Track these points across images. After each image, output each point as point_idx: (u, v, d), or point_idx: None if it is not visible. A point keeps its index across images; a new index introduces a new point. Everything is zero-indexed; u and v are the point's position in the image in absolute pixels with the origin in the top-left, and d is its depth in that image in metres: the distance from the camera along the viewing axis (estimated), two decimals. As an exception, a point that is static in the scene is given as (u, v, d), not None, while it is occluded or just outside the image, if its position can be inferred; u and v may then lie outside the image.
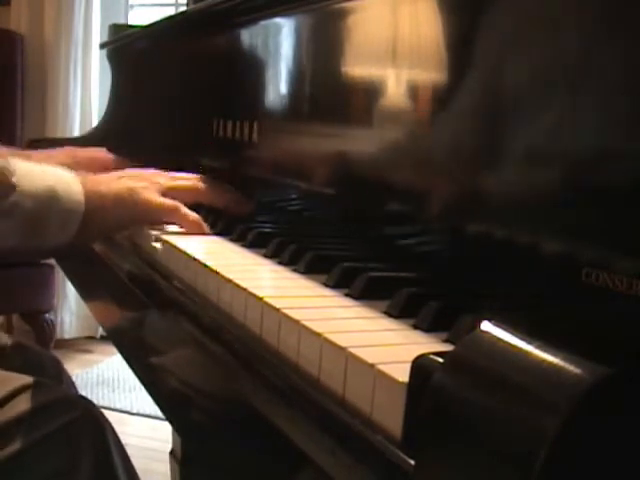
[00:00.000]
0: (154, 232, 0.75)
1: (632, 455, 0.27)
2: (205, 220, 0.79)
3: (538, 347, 0.29)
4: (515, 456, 0.27)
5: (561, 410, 0.26)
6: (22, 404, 0.75)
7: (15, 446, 0.72)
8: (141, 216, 0.78)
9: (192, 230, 0.76)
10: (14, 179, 0.68)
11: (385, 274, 0.53)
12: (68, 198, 0.72)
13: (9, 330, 2.62)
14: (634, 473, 0.27)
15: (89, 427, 0.79)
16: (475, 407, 0.29)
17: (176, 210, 0.76)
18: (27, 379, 0.79)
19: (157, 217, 0.78)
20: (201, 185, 0.82)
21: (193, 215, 0.77)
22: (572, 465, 0.26)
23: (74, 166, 0.83)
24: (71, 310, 2.75)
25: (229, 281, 0.54)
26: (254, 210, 0.83)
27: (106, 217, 0.75)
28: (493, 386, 0.29)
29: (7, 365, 0.88)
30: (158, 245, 0.71)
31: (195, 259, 0.61)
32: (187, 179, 0.83)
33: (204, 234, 0.76)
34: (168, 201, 0.77)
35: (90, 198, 0.73)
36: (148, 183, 0.77)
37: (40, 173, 0.72)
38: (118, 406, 2.17)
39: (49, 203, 0.71)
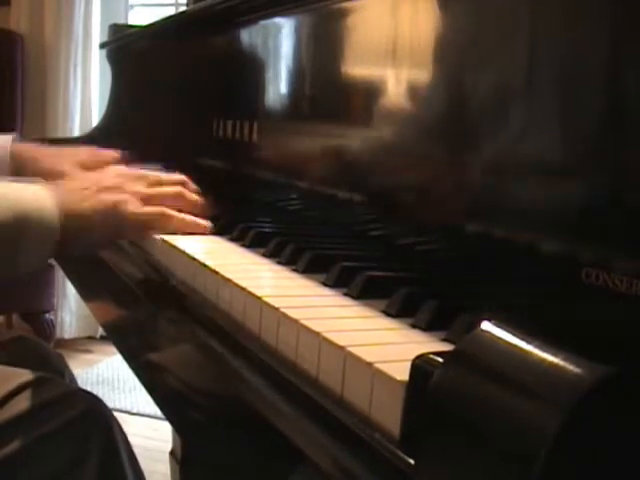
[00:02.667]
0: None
1: (632, 455, 0.27)
2: (204, 218, 0.79)
3: (538, 347, 0.29)
4: (515, 455, 0.27)
5: (561, 410, 0.26)
6: (26, 400, 0.75)
7: (20, 443, 0.72)
8: (130, 231, 0.75)
9: (191, 230, 0.73)
10: None
11: (383, 273, 0.53)
12: (40, 224, 0.67)
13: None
14: (634, 473, 0.27)
15: (95, 422, 0.78)
16: (475, 406, 0.29)
17: (168, 218, 0.73)
18: (30, 375, 0.78)
19: (147, 228, 0.74)
20: (183, 191, 0.77)
21: (185, 216, 0.74)
22: (572, 464, 0.26)
23: (93, 166, 0.82)
24: (71, 310, 2.75)
25: (228, 280, 0.54)
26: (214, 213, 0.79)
27: (91, 236, 0.72)
28: (493, 386, 0.29)
29: (10, 358, 0.88)
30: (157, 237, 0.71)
31: (195, 259, 0.61)
32: (169, 182, 0.78)
33: (203, 232, 0.74)
34: (155, 209, 0.73)
35: (70, 219, 0.69)
36: (129, 195, 0.73)
37: (7, 200, 0.67)
38: (118, 406, 2.17)
39: (19, 232, 0.66)
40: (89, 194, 0.72)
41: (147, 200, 0.73)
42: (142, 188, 0.75)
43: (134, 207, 0.72)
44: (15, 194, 0.68)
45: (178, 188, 0.77)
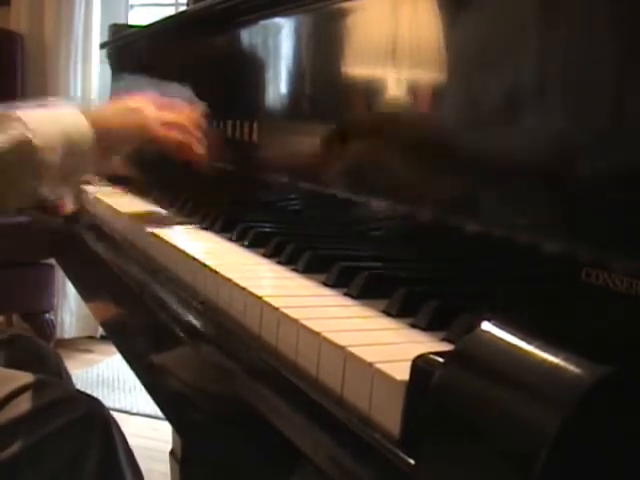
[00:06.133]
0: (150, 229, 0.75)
1: (632, 455, 0.27)
2: (204, 217, 0.79)
3: (538, 347, 0.29)
4: (515, 455, 0.26)
5: (561, 410, 0.26)
6: (26, 403, 0.75)
7: (20, 444, 0.72)
8: (145, 140, 0.82)
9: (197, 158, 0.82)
10: (35, 140, 0.71)
11: (383, 273, 0.53)
12: (80, 136, 0.76)
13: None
14: (634, 473, 0.27)
15: (94, 425, 0.79)
16: (476, 407, 0.29)
17: (182, 145, 0.82)
18: (30, 377, 0.78)
19: (160, 145, 0.83)
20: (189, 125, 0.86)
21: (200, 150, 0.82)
22: (572, 464, 0.26)
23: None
24: (71, 310, 2.74)
25: (228, 280, 0.54)
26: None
27: (117, 138, 0.81)
28: (493, 386, 0.29)
29: (8, 356, 0.88)
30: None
31: (195, 259, 0.61)
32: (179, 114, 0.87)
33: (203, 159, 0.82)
34: (173, 135, 0.82)
35: (97, 124, 0.78)
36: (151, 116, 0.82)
37: (50, 121, 0.75)
38: (118, 406, 2.17)
39: (67, 148, 0.74)
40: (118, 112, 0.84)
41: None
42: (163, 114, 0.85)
43: (157, 127, 0.82)
44: (52, 119, 0.76)
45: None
